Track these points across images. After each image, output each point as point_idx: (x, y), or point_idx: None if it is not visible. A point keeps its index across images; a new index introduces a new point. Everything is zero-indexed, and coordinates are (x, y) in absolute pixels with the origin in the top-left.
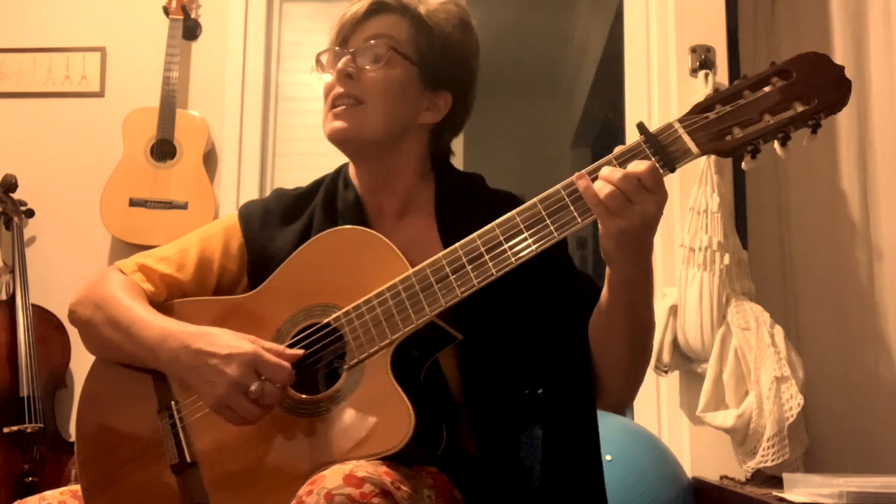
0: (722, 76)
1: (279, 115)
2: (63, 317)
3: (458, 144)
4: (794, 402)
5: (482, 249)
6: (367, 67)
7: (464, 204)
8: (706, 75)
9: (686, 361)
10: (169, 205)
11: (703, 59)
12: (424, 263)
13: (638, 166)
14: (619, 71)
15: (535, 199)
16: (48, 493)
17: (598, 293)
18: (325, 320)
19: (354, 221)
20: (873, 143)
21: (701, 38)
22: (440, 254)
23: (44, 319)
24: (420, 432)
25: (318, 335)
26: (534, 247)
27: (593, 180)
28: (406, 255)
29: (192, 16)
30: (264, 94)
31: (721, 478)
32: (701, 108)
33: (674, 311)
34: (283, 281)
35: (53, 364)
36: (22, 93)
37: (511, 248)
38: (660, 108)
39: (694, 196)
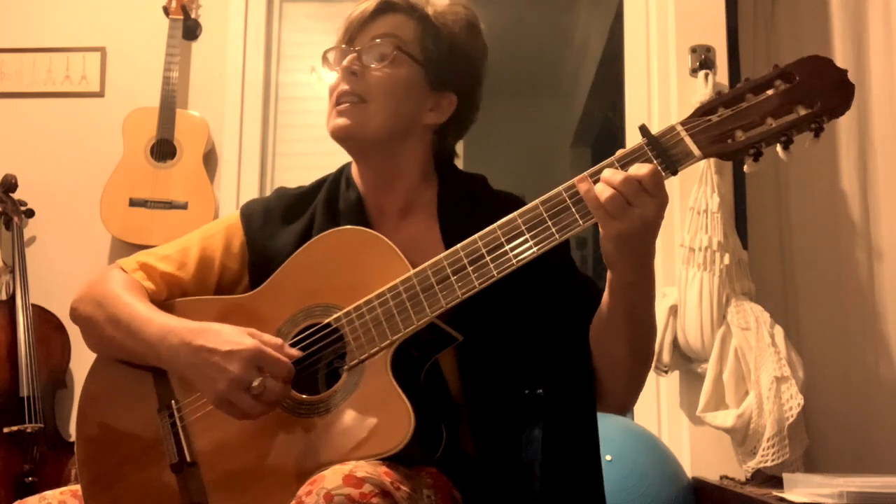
0: (722, 76)
1: (279, 115)
2: (63, 317)
3: (457, 144)
4: (794, 402)
5: (483, 251)
6: (373, 66)
7: (466, 205)
8: (706, 75)
9: (686, 361)
10: (169, 205)
11: (703, 59)
12: (425, 264)
13: (639, 169)
14: (619, 71)
15: (536, 201)
16: (48, 493)
17: (599, 296)
18: (326, 320)
19: (356, 221)
20: (873, 143)
21: (701, 38)
22: (441, 255)
23: (44, 319)
24: (420, 433)
25: (319, 335)
26: (535, 248)
27: (595, 182)
28: (407, 255)
29: (192, 16)
30: (264, 94)
31: (721, 478)
32: (703, 110)
33: (674, 311)
34: (284, 281)
35: (53, 364)
36: (22, 93)
37: (512, 249)
38: (660, 108)
39: (694, 196)
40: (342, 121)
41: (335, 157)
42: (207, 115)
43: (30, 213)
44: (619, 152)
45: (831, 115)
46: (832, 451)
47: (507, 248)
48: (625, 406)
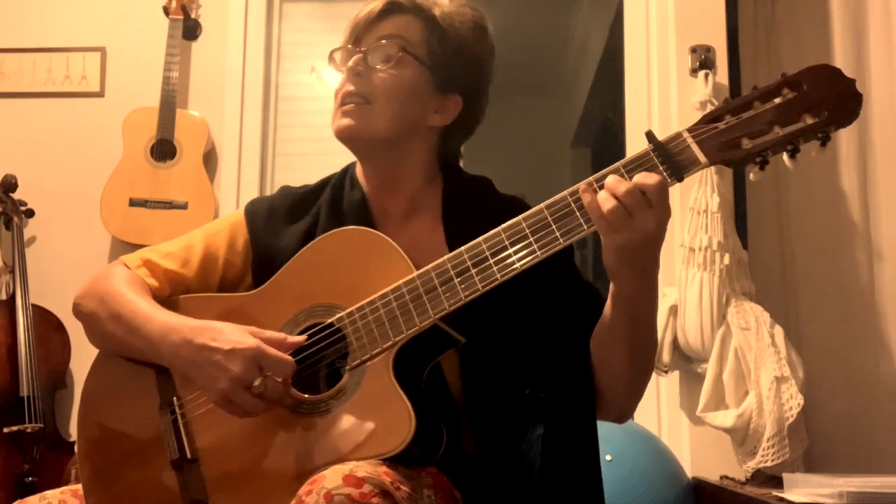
0: (722, 76)
1: (279, 115)
2: (63, 317)
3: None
4: (794, 402)
5: (487, 254)
6: (378, 67)
7: (470, 207)
8: (706, 75)
9: (686, 361)
10: (169, 205)
11: (703, 59)
12: (429, 266)
13: (646, 179)
14: (619, 71)
15: (541, 205)
16: (48, 493)
17: (602, 304)
18: (328, 320)
19: (359, 222)
20: (873, 143)
21: (701, 38)
22: (445, 257)
23: (44, 319)
24: (420, 434)
25: (321, 335)
26: (539, 252)
27: (599, 188)
28: (411, 256)
29: (192, 16)
30: (264, 94)
31: (721, 478)
32: (710, 118)
33: (674, 311)
34: (287, 280)
35: (53, 364)
36: (22, 93)
37: (516, 253)
38: (660, 107)
39: (694, 196)
40: (346, 121)
41: (335, 157)
42: (207, 115)
43: (30, 213)
44: (625, 158)
45: (839, 124)
46: (832, 451)
47: (510, 251)
48: (623, 415)
